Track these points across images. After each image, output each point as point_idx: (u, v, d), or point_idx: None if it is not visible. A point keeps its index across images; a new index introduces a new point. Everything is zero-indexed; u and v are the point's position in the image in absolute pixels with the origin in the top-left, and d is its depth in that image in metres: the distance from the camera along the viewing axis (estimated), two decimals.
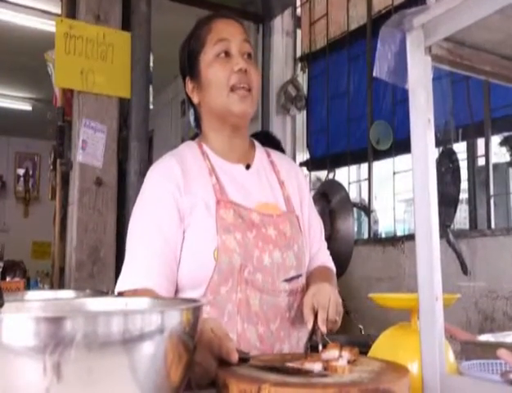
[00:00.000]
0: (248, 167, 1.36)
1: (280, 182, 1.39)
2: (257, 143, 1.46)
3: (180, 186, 1.26)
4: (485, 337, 1.26)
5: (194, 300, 0.73)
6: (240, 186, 1.31)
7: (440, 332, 0.77)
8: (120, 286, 1.20)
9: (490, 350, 0.97)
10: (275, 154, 1.47)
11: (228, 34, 1.30)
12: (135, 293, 1.16)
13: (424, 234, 0.79)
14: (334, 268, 1.46)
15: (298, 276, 1.30)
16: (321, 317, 1.14)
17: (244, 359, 0.89)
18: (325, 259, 1.46)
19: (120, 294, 1.19)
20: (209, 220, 1.22)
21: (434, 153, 0.82)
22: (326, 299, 1.17)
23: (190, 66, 1.34)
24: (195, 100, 1.35)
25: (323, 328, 1.13)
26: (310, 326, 1.14)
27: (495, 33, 0.85)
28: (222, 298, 1.20)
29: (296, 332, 1.29)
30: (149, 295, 1.13)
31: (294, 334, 1.28)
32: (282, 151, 2.15)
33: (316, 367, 0.82)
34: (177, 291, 1.24)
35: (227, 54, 1.28)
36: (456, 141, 2.82)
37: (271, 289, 1.24)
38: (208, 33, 1.31)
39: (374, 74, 0.89)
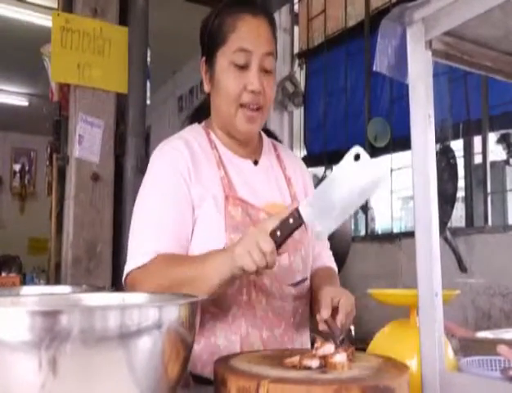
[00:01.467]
0: (256, 163, 1.31)
1: (287, 178, 1.34)
2: (264, 135, 1.40)
3: (190, 172, 1.20)
4: (483, 334, 1.26)
5: (192, 296, 0.73)
6: (248, 183, 1.26)
7: (439, 328, 0.77)
8: (131, 265, 1.13)
9: (488, 346, 0.97)
10: (281, 148, 1.43)
11: (252, 44, 1.19)
12: (147, 266, 1.10)
13: (424, 229, 0.79)
14: (336, 269, 1.42)
15: (304, 280, 1.27)
16: (344, 309, 1.08)
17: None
18: (328, 260, 1.42)
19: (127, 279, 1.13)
20: (218, 217, 1.17)
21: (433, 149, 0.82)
22: (348, 301, 1.11)
23: (208, 49, 1.25)
24: (206, 88, 1.28)
25: (342, 318, 1.07)
26: (327, 314, 1.07)
27: (496, 28, 0.84)
28: (228, 299, 1.16)
29: (300, 337, 1.26)
30: (164, 259, 1.09)
31: (297, 339, 1.25)
32: None
33: (314, 363, 0.81)
34: None
35: (246, 66, 1.19)
36: (454, 138, 2.83)
37: (277, 293, 1.20)
38: (232, 30, 1.20)
39: (374, 69, 0.89)
